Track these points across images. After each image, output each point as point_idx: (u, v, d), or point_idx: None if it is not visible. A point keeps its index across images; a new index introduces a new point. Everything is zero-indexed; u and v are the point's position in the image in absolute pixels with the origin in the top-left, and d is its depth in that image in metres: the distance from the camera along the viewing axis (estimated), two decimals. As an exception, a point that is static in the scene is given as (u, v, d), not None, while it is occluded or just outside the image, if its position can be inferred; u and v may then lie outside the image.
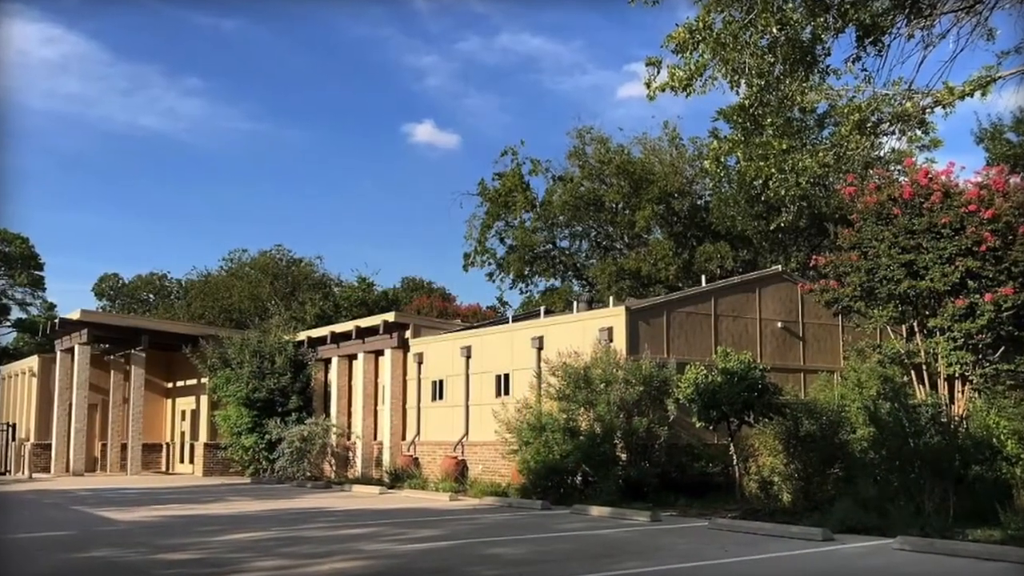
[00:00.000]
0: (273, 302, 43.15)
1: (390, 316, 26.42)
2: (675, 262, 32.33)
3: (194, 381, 32.04)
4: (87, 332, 30.31)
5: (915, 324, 16.42)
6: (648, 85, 9.90)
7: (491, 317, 39.30)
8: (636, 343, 18.76)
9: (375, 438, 26.35)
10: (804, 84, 9.97)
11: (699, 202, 34.80)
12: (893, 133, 10.81)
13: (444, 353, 24.08)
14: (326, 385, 28.52)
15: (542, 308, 29.12)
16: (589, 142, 35.98)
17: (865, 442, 14.35)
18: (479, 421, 22.18)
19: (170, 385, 34.99)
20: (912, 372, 16.75)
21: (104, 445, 33.09)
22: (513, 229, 37.30)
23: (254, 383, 26.69)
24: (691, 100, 10.66)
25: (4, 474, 32.54)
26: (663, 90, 9.89)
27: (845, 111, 10.46)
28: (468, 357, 22.99)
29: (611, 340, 18.73)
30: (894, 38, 9.96)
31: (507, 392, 21.44)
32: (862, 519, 12.12)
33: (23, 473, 31.36)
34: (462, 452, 22.65)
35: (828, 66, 10.10)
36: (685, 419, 17.53)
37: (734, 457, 16.79)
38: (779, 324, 21.29)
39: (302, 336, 29.37)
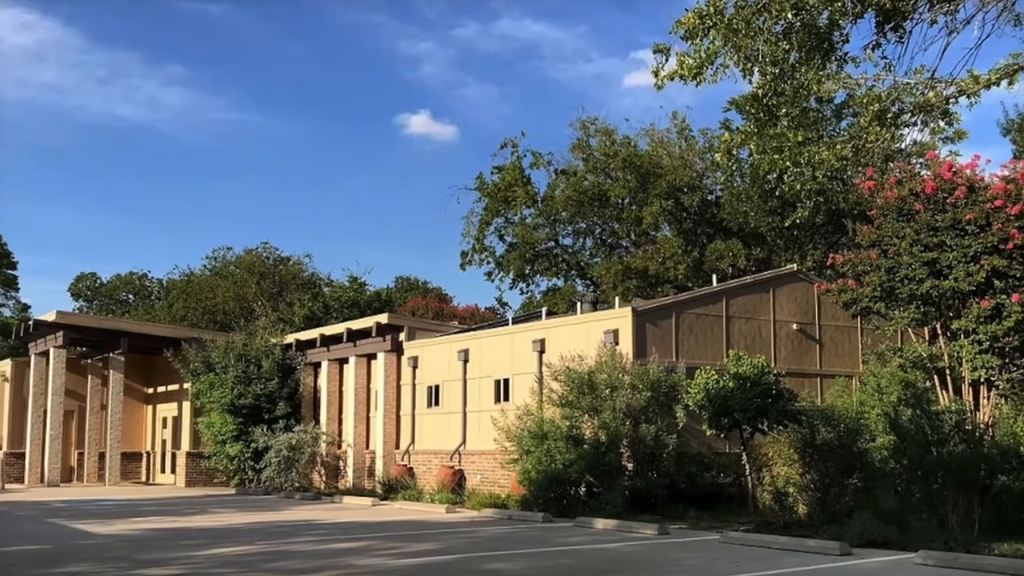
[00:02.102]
0: (259, 303, 43.16)
1: (383, 318, 26.43)
2: (684, 260, 32.35)
3: (176, 387, 32.04)
4: (63, 334, 30.32)
5: (938, 326, 16.41)
6: (656, 74, 9.90)
7: (490, 319, 39.31)
8: (643, 346, 18.76)
9: (367, 447, 26.36)
10: (821, 72, 9.97)
11: (710, 197, 34.82)
12: (915, 124, 10.80)
13: (440, 357, 24.09)
14: (315, 391, 28.53)
15: (544, 309, 29.13)
16: (593, 134, 36.02)
17: (885, 451, 14.36)
18: (477, 429, 22.19)
19: (151, 391, 34.99)
20: (935, 377, 16.76)
21: (81, 454, 33.10)
22: (513, 226, 37.33)
23: (239, 389, 26.70)
24: (701, 89, 10.66)
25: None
26: (672, 79, 9.89)
27: (864, 101, 10.45)
28: (465, 361, 22.99)
29: (617, 343, 18.73)
30: (916, 24, 9.95)
31: (507, 398, 21.44)
32: (882, 532, 12.12)
33: (-5, 484, 31.36)
34: (459, 461, 22.65)
35: (846, 53, 10.08)
36: (695, 427, 17.54)
37: (747, 467, 16.79)
38: (794, 326, 21.30)
39: (290, 339, 29.38)
